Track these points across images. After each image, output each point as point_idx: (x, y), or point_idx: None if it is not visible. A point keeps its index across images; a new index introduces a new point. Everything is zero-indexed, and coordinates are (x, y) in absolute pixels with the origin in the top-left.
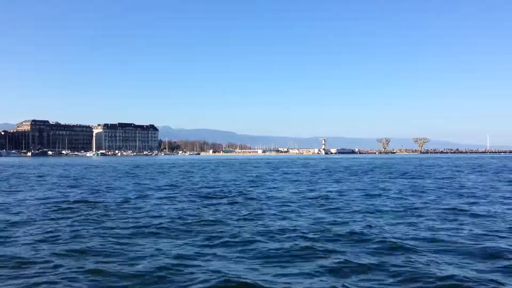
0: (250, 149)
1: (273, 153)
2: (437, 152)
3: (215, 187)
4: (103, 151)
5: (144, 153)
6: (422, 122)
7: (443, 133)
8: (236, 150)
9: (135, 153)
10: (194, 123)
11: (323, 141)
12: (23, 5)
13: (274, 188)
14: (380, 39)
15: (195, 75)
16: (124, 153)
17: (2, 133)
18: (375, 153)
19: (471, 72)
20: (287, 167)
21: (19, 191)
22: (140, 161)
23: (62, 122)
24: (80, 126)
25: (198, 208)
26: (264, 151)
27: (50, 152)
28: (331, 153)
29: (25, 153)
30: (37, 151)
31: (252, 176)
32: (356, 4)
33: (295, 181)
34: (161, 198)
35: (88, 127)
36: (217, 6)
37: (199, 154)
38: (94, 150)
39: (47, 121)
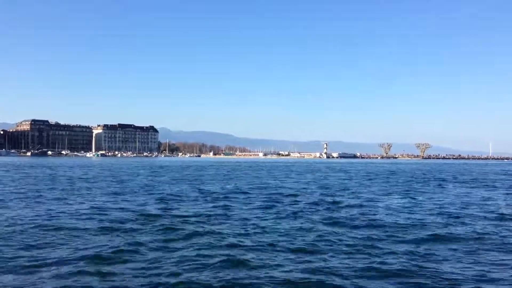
0: (250, 152)
1: (274, 157)
2: (439, 158)
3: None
4: (103, 152)
5: (144, 154)
6: (423, 128)
7: (443, 139)
8: (236, 153)
9: (135, 154)
10: (192, 125)
11: (325, 145)
12: (23, 5)
13: (375, 196)
14: (381, 40)
15: (194, 75)
16: (124, 154)
17: (1, 132)
18: (377, 157)
19: (472, 76)
20: (319, 172)
21: (81, 198)
22: (150, 163)
23: (62, 122)
24: (80, 126)
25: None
26: (265, 154)
27: (49, 152)
28: (333, 157)
29: (25, 152)
30: (36, 151)
31: (314, 181)
32: (356, 4)
33: (384, 188)
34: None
35: (88, 127)
36: (217, 6)
37: (199, 156)
38: (93, 150)
39: (47, 121)
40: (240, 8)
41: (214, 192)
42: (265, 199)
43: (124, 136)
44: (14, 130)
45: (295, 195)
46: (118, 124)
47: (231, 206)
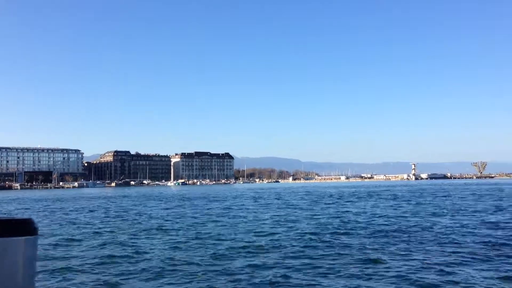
0: (331, 175)
1: (358, 180)
2: None
3: None
4: (183, 180)
5: (222, 181)
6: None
7: None
8: (315, 177)
9: (213, 182)
10: (257, 151)
11: (413, 166)
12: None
13: None
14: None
15: (253, 100)
16: (203, 182)
17: (86, 164)
18: (472, 177)
19: None
20: (448, 196)
21: None
22: (252, 190)
23: (142, 152)
24: (158, 156)
25: None
26: (347, 178)
27: (132, 182)
28: (421, 178)
29: (109, 183)
30: (120, 181)
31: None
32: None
33: None
34: None
35: (166, 156)
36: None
37: (278, 181)
38: (172, 179)
39: (128, 152)
40: (315, 36)
41: None
42: None
43: (200, 164)
44: (98, 161)
45: None
46: (195, 152)
47: None
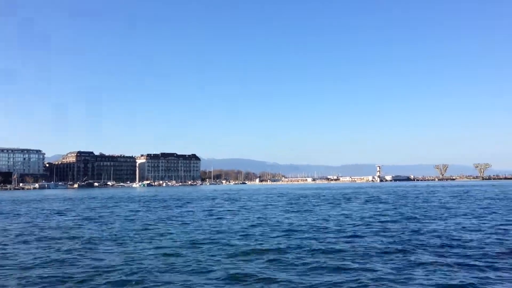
0: (297, 177)
1: (324, 181)
2: (500, 179)
3: None
4: (149, 182)
5: (189, 183)
6: (483, 148)
7: (507, 159)
8: (282, 179)
9: (180, 183)
10: (223, 152)
11: (378, 168)
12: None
13: None
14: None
15: (217, 103)
16: (169, 184)
17: (47, 165)
18: (434, 179)
19: None
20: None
21: None
22: (222, 191)
23: (106, 153)
24: (123, 156)
25: None
26: (314, 180)
27: (96, 184)
28: (386, 180)
29: (72, 185)
30: (83, 183)
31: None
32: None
33: None
34: None
35: (131, 157)
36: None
37: (244, 183)
38: (137, 180)
39: (92, 152)
40: (277, 38)
41: None
42: None
43: (167, 165)
44: (60, 162)
45: None
46: (161, 153)
47: None
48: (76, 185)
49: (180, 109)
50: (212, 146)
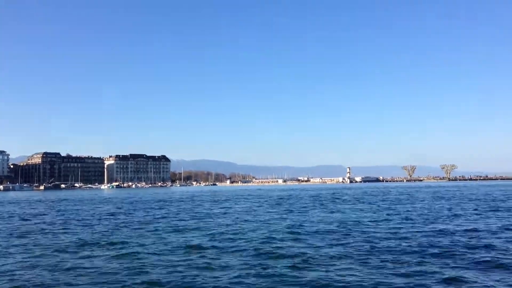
0: (268, 178)
1: (295, 183)
2: (466, 179)
3: None
4: (118, 183)
5: (159, 184)
6: (449, 149)
7: (472, 159)
8: (253, 180)
9: (150, 185)
10: (192, 153)
11: (348, 169)
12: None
13: None
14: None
15: (192, 104)
16: (139, 185)
17: (12, 166)
18: (402, 180)
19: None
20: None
21: None
22: (199, 193)
23: (73, 154)
24: (91, 158)
25: None
26: (284, 181)
27: (63, 185)
28: (356, 181)
29: (37, 186)
30: (49, 185)
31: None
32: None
33: None
34: None
35: (100, 159)
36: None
37: (215, 185)
38: (106, 182)
39: (59, 153)
40: (239, 32)
41: None
42: None
43: (136, 166)
44: (25, 164)
45: None
46: (130, 154)
47: None
48: (42, 187)
49: (149, 110)
50: (181, 147)
